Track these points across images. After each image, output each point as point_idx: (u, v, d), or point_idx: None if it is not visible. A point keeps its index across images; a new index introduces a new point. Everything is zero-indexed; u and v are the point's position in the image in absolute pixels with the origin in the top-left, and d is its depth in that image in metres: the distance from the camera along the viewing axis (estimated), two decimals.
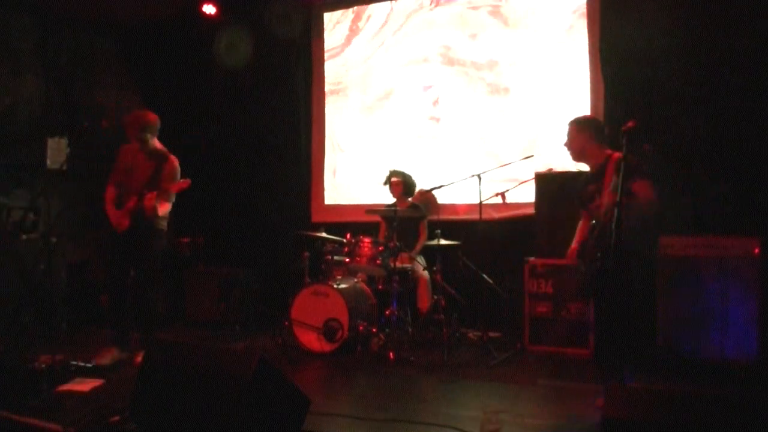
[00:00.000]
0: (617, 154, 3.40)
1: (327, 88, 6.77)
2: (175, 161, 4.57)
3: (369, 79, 6.53)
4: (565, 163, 5.54)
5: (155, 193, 4.31)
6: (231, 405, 2.62)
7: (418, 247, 5.50)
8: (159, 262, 4.62)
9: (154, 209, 4.32)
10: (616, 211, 2.97)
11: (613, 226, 2.95)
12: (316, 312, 4.83)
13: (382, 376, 4.32)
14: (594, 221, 3.56)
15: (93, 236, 6.06)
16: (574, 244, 3.81)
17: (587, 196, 3.66)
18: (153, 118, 4.60)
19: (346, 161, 6.66)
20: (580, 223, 3.87)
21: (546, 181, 5.06)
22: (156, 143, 4.63)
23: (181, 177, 4.48)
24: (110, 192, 4.59)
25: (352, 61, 6.64)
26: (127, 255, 4.50)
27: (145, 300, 4.51)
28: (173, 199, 4.52)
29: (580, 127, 3.68)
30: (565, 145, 3.73)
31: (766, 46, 4.63)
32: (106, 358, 4.44)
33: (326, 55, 6.78)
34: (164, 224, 4.60)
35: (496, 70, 5.92)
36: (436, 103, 6.19)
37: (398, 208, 5.16)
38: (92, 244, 6.22)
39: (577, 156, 3.72)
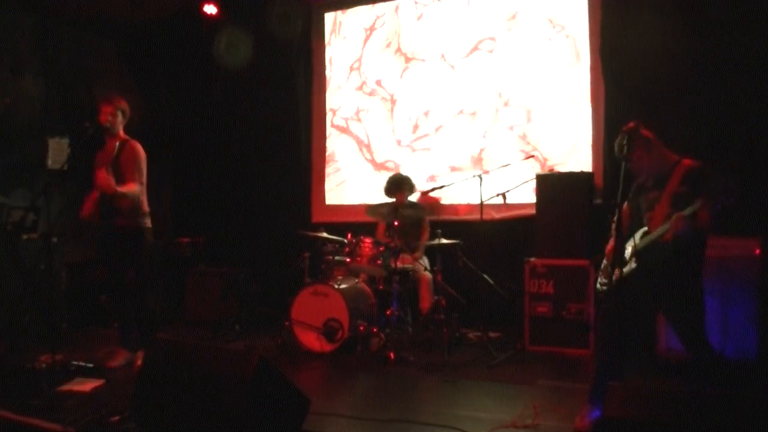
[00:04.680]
0: (687, 161, 3.19)
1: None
2: (137, 144, 4.48)
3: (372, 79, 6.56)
4: (565, 163, 5.58)
5: (106, 169, 4.19)
6: (231, 405, 2.62)
7: (421, 248, 5.50)
8: (151, 261, 4.57)
9: (110, 186, 4.16)
10: (617, 213, 2.96)
11: (614, 228, 2.94)
12: (317, 312, 4.83)
13: (382, 376, 4.32)
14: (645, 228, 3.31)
15: (93, 236, 6.06)
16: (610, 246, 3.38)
17: (647, 204, 3.33)
18: (126, 104, 4.58)
19: (347, 161, 6.67)
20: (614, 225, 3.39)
21: (546, 182, 5.07)
22: (121, 132, 4.55)
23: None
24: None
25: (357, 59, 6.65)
26: (118, 255, 4.45)
27: (142, 299, 4.49)
28: (142, 179, 4.42)
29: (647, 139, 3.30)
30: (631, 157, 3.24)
31: (766, 47, 4.63)
32: (118, 361, 4.43)
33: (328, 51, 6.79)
34: (147, 221, 4.50)
35: (496, 71, 5.93)
36: (435, 104, 6.20)
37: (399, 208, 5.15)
38: (92, 244, 6.22)
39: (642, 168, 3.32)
